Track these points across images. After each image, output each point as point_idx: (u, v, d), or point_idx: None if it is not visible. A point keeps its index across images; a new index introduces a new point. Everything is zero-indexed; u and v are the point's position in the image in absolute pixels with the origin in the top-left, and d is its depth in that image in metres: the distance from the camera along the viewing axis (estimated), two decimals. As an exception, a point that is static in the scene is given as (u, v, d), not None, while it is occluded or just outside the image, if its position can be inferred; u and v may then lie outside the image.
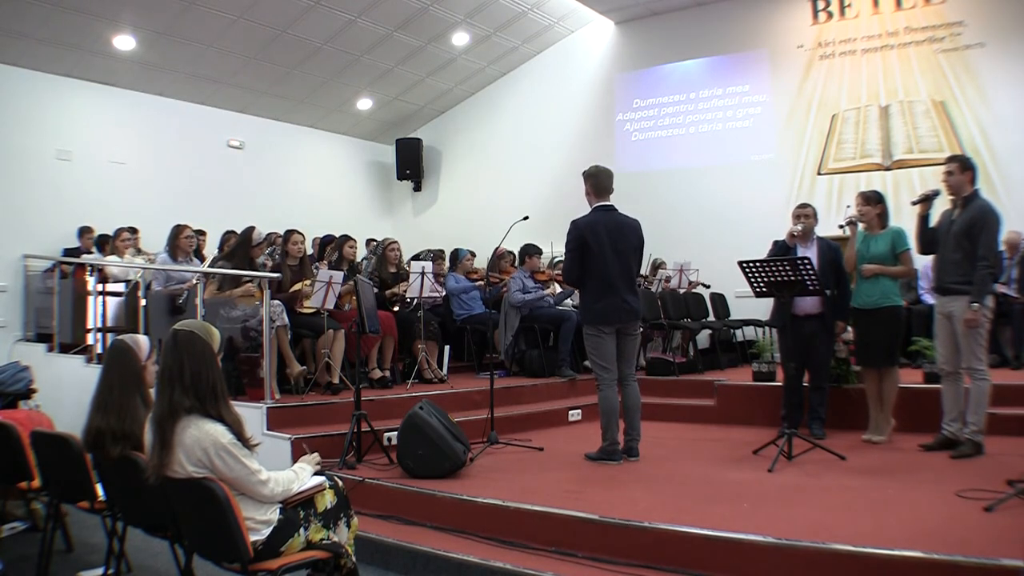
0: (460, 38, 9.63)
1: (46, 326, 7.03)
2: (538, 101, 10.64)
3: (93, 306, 6.46)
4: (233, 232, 7.25)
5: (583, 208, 4.74)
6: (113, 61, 8.24)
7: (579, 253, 4.56)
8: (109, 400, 2.87)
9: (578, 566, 3.18)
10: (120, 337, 3.10)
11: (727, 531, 3.06)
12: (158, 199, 8.64)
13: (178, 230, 6.11)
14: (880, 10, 8.46)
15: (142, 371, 3.00)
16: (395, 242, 7.18)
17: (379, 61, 9.65)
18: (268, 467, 2.59)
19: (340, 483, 2.91)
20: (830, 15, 8.75)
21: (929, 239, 4.66)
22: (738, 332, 8.44)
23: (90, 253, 7.51)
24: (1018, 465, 3.72)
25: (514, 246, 7.70)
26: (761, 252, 5.17)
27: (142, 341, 3.09)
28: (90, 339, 6.50)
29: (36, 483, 3.56)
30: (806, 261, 4.55)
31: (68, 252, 7.63)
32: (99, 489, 3.10)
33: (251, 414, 4.64)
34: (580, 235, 4.54)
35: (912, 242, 4.87)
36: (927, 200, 4.67)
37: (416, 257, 7.76)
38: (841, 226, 5.26)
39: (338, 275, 5.68)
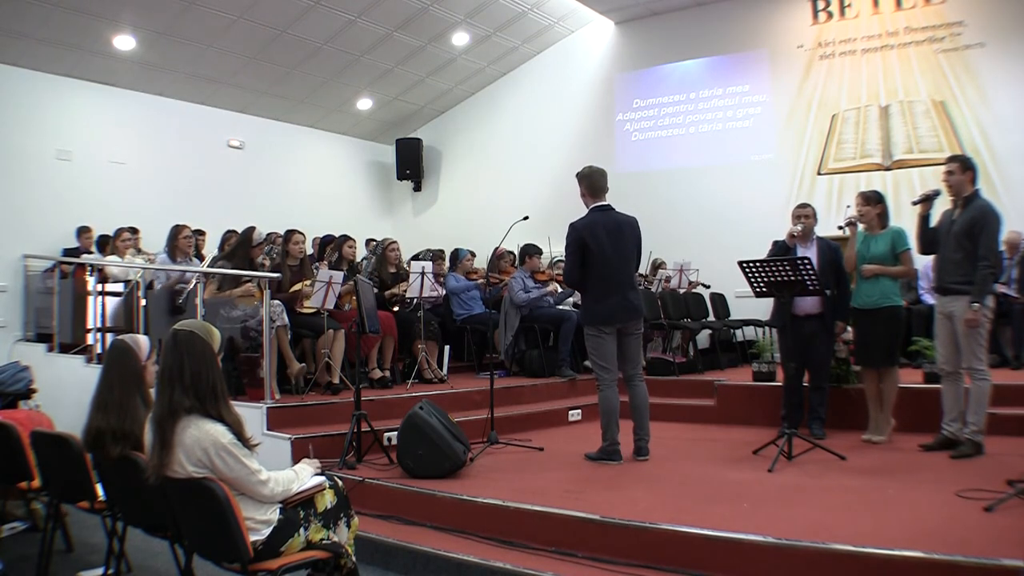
0: (460, 38, 9.63)
1: (46, 326, 7.02)
2: (538, 101, 10.64)
3: (93, 306, 6.47)
4: (233, 232, 7.25)
5: (583, 208, 4.74)
6: (113, 61, 8.24)
7: (579, 255, 4.56)
8: (109, 400, 2.87)
9: (578, 566, 3.18)
10: (120, 337, 3.10)
11: (727, 531, 3.06)
12: (158, 199, 8.63)
13: (177, 230, 6.10)
14: (880, 10, 8.46)
15: (142, 371, 3.00)
16: (395, 242, 7.18)
17: (379, 61, 9.65)
18: (268, 467, 2.59)
19: (340, 483, 2.91)
20: (830, 15, 8.75)
21: (929, 239, 4.66)
22: (738, 332, 8.44)
23: (89, 253, 7.50)
24: (1018, 465, 3.72)
25: (514, 246, 7.70)
26: (761, 252, 5.17)
27: (142, 341, 3.09)
28: (90, 339, 6.50)
29: (36, 483, 3.56)
30: (806, 261, 4.55)
31: (68, 252, 7.63)
32: (99, 489, 3.09)
33: (251, 414, 4.64)
34: (579, 237, 4.54)
35: (912, 242, 4.87)
36: (928, 200, 4.67)
37: (416, 257, 7.76)
38: (841, 227, 5.26)
39: (338, 275, 5.68)
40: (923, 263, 6.12)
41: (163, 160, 9.00)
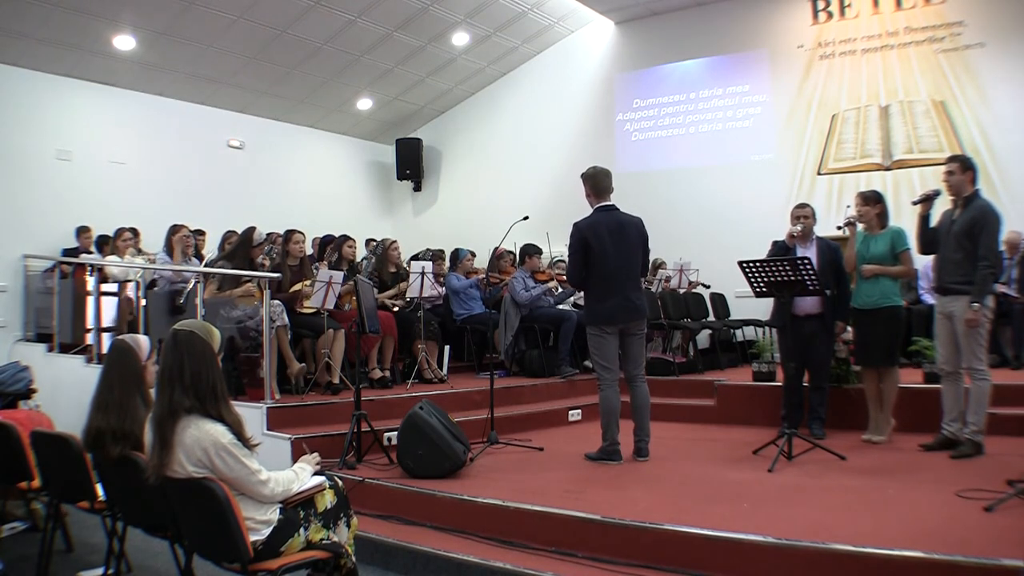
0: (460, 38, 9.63)
1: (46, 326, 7.03)
2: (538, 101, 10.64)
3: (93, 306, 6.47)
4: (233, 232, 7.25)
5: (583, 208, 4.74)
6: (113, 61, 8.24)
7: (582, 255, 4.57)
8: (109, 400, 2.87)
9: (578, 566, 3.18)
10: (120, 337, 3.11)
11: (727, 531, 3.06)
12: (158, 199, 8.63)
13: (174, 230, 6.10)
14: (880, 10, 8.46)
15: (142, 371, 3.00)
16: (395, 242, 7.18)
17: (379, 61, 9.65)
18: (268, 467, 2.59)
19: (340, 483, 2.91)
20: (830, 15, 8.75)
21: (929, 239, 4.66)
22: (738, 332, 8.43)
23: (89, 253, 7.50)
24: (1018, 465, 3.72)
25: (514, 246, 7.70)
26: (761, 252, 5.17)
27: (142, 341, 3.09)
28: (89, 339, 6.50)
29: (36, 483, 3.56)
30: (806, 261, 4.55)
31: (67, 252, 7.63)
32: (99, 489, 3.09)
33: (251, 414, 4.64)
34: (582, 237, 4.55)
35: (912, 242, 4.87)
36: (928, 200, 4.67)
37: (416, 257, 7.76)
38: (840, 227, 5.26)
39: (338, 275, 5.68)
40: (923, 263, 6.12)
41: (163, 160, 9.00)
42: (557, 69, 10.52)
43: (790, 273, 4.56)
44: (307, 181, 10.65)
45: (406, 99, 10.86)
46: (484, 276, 7.36)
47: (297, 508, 2.66)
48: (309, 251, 7.39)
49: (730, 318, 8.44)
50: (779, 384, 5.44)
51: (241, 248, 5.82)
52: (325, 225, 8.98)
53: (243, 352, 5.34)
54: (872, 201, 5.01)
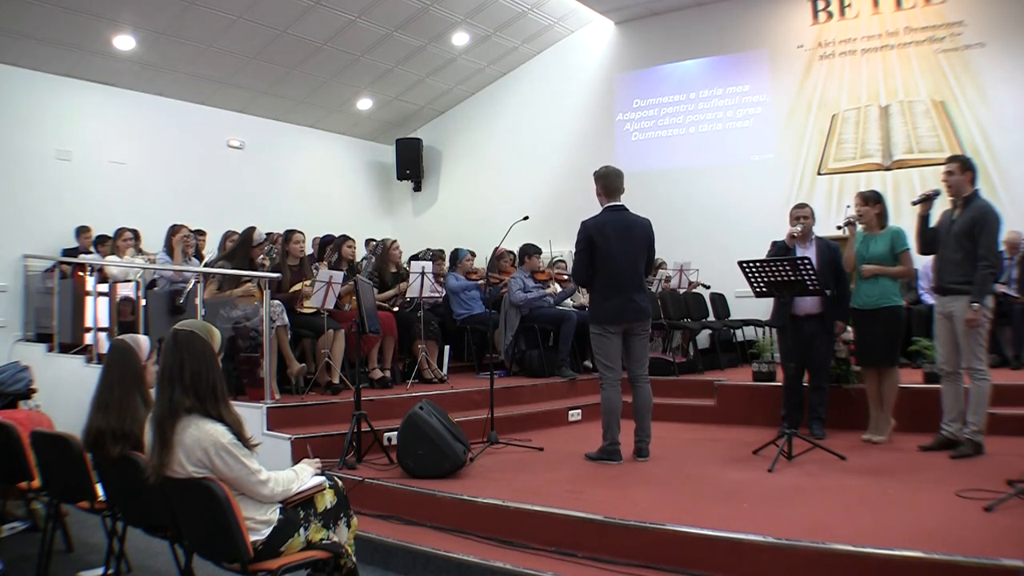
0: (460, 38, 9.63)
1: (46, 326, 7.02)
2: (538, 101, 10.64)
3: (93, 306, 6.46)
4: (234, 232, 7.25)
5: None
6: (113, 61, 8.24)
7: (587, 253, 4.59)
8: (109, 400, 2.87)
9: (578, 566, 3.18)
10: (120, 337, 3.10)
11: (727, 531, 3.06)
12: (158, 199, 8.63)
13: (174, 230, 6.09)
14: (880, 10, 8.46)
15: (142, 371, 3.00)
16: (395, 241, 7.19)
17: (379, 61, 9.65)
18: (268, 467, 2.59)
19: (340, 483, 2.91)
20: (830, 15, 8.75)
21: (929, 239, 4.66)
22: (738, 332, 8.43)
23: (88, 253, 7.50)
24: (1018, 465, 3.72)
25: (514, 246, 7.70)
26: (761, 252, 5.17)
27: (142, 341, 3.10)
28: (87, 339, 6.50)
29: (36, 483, 3.56)
30: (806, 261, 4.55)
31: (67, 252, 7.63)
32: (99, 489, 3.10)
33: (251, 414, 4.64)
34: (588, 235, 4.57)
35: (911, 242, 4.87)
36: (927, 200, 4.66)
37: (416, 257, 7.76)
38: (840, 226, 5.26)
39: (338, 275, 5.68)
40: (923, 263, 6.12)
41: (163, 160, 9.00)
42: (557, 69, 10.52)
43: (790, 273, 4.56)
44: (307, 181, 10.65)
45: (406, 99, 10.86)
46: (484, 277, 7.37)
47: (297, 508, 2.66)
48: (309, 251, 7.39)
49: (730, 318, 8.44)
50: (779, 384, 5.44)
51: (241, 248, 5.82)
52: (325, 225, 8.97)
53: (243, 352, 5.33)
54: (872, 201, 5.01)
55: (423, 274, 6.28)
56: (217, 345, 2.64)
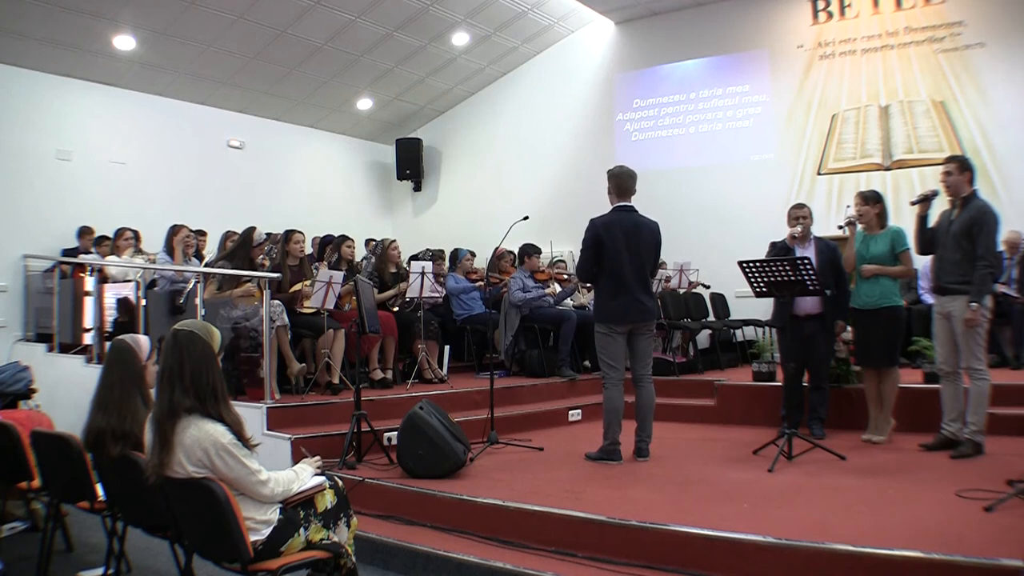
0: (460, 38, 9.63)
1: (46, 326, 7.02)
2: (538, 101, 10.64)
3: (92, 306, 6.46)
4: (234, 232, 7.25)
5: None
6: (113, 61, 8.24)
7: (594, 251, 4.60)
8: (109, 399, 2.88)
9: (578, 566, 3.18)
10: (121, 337, 3.10)
11: (727, 531, 3.06)
12: (158, 199, 8.64)
13: (174, 230, 6.08)
14: (880, 10, 8.46)
15: (143, 371, 3.00)
16: (395, 241, 7.18)
17: (379, 61, 9.65)
18: (268, 467, 2.59)
19: (340, 483, 2.91)
20: (830, 15, 8.75)
21: (928, 239, 4.67)
22: (738, 332, 8.44)
23: (89, 253, 7.50)
24: (1018, 465, 3.72)
25: (514, 246, 7.70)
26: (761, 252, 5.18)
27: (142, 341, 3.10)
28: (87, 339, 6.50)
29: (36, 483, 3.56)
30: (806, 261, 4.55)
31: (68, 252, 7.63)
32: (99, 489, 3.10)
33: (251, 414, 4.64)
34: (596, 234, 4.58)
35: (911, 242, 4.87)
36: (926, 200, 4.67)
37: (416, 257, 7.76)
38: (840, 226, 5.26)
39: (338, 275, 5.68)
40: (923, 263, 6.12)
41: (163, 160, 9.00)
42: (557, 69, 10.52)
43: (790, 273, 4.56)
44: (307, 181, 10.65)
45: (406, 99, 10.86)
46: (484, 278, 7.36)
47: (297, 508, 2.66)
48: (309, 251, 7.39)
49: (730, 318, 8.44)
50: (779, 384, 5.44)
51: (241, 248, 5.81)
52: (325, 225, 8.98)
53: (243, 352, 5.33)
54: (872, 201, 5.01)
55: (423, 274, 6.28)
56: (217, 345, 2.64)
